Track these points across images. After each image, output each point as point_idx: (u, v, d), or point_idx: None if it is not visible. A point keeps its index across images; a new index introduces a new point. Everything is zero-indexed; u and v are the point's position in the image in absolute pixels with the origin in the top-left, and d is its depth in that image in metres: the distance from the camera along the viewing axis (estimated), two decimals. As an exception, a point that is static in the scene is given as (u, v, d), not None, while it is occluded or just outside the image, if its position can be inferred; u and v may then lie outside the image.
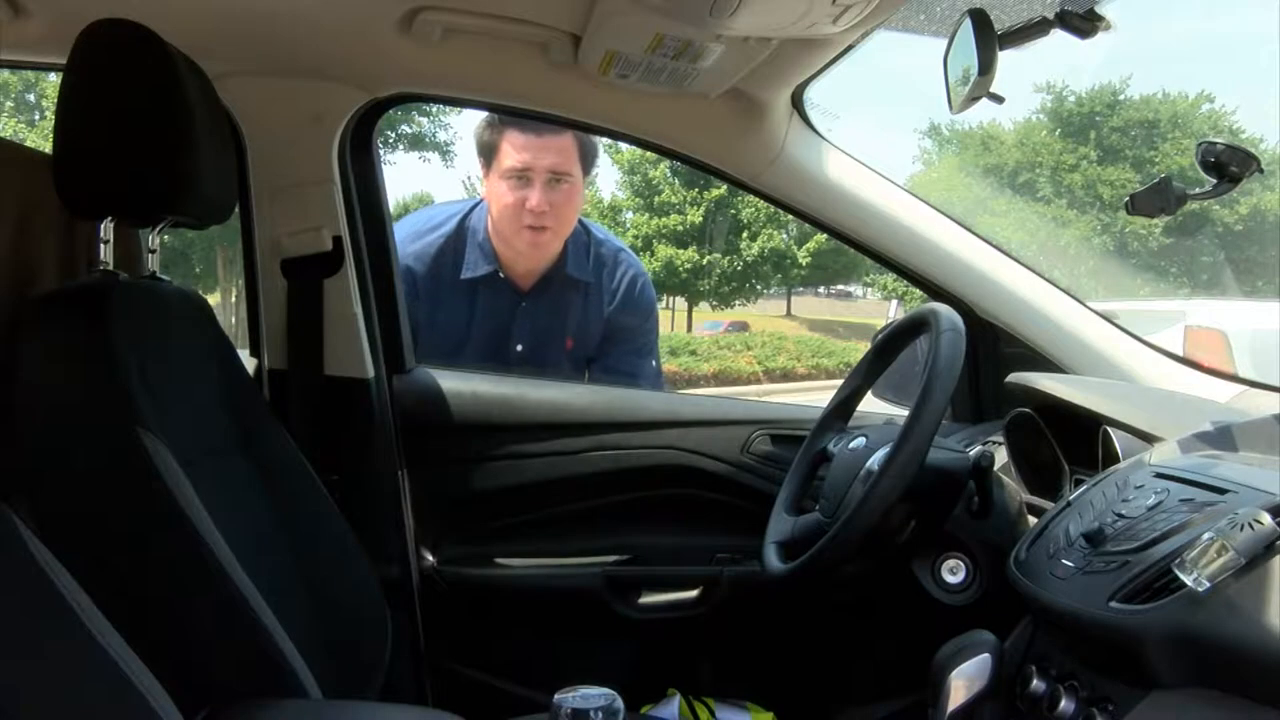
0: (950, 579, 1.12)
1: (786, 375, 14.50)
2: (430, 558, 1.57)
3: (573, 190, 1.75)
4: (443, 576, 1.56)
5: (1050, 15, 1.02)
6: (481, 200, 1.83)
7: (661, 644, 1.60)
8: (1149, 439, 1.10)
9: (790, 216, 1.77)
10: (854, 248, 1.59)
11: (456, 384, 1.58)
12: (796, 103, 1.48)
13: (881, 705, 1.55)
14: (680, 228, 21.28)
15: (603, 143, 2.17)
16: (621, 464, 1.57)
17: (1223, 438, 1.00)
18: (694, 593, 1.56)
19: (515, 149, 1.71)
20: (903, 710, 1.50)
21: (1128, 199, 1.13)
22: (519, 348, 1.80)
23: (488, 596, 1.57)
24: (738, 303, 23.32)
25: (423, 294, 1.76)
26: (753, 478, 1.55)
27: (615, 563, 1.56)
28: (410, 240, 1.79)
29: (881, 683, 1.57)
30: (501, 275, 1.79)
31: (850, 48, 1.26)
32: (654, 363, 1.91)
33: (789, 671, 1.61)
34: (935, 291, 1.56)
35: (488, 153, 1.76)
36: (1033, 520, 1.11)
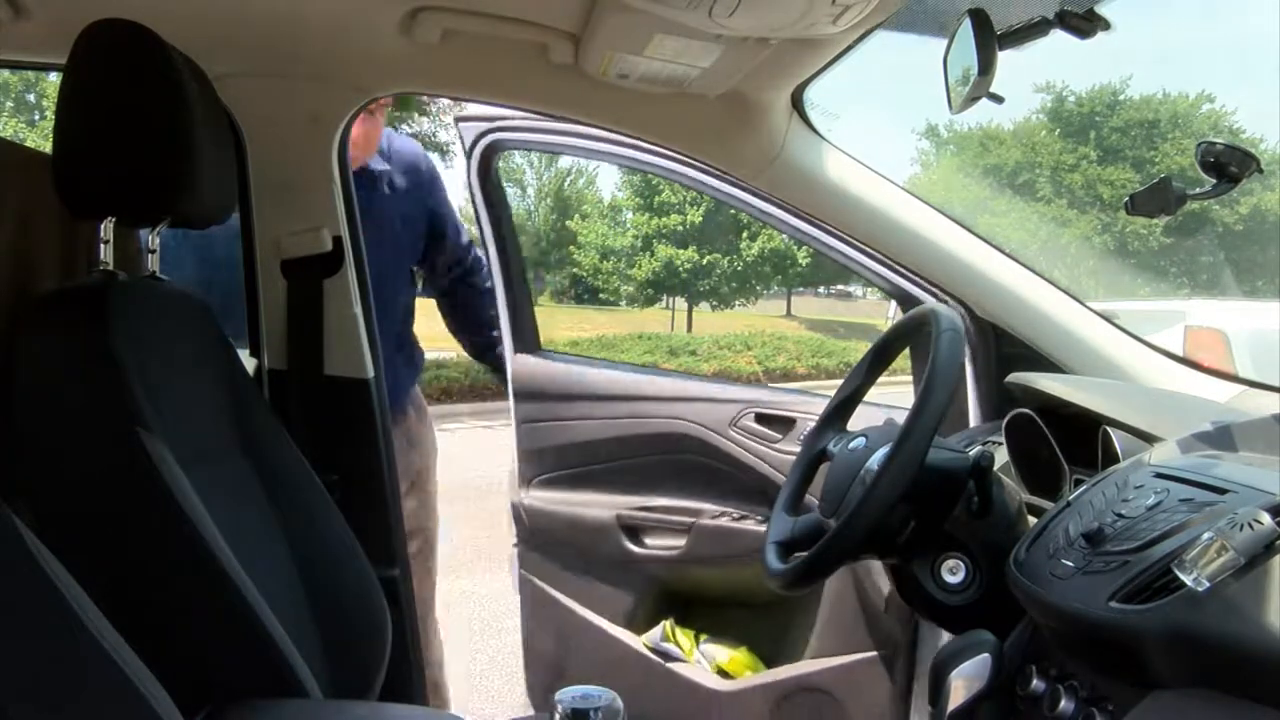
0: (950, 579, 1.11)
1: (786, 375, 14.47)
2: None
3: (382, 120, 1.76)
4: None
5: (1050, 15, 1.02)
6: None
7: (663, 583, 1.84)
8: (1149, 439, 1.10)
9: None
10: (854, 248, 1.59)
11: None
12: (796, 103, 1.48)
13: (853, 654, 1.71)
14: (680, 228, 21.26)
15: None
16: (638, 430, 1.82)
17: (1222, 438, 1.00)
18: (683, 540, 1.79)
19: None
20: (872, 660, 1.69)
21: (1128, 199, 1.13)
22: None
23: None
24: (738, 303, 23.30)
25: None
26: (739, 449, 1.77)
27: (631, 509, 1.81)
28: None
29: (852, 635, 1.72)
30: None
31: (850, 48, 1.26)
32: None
33: (767, 616, 1.82)
34: (935, 292, 1.56)
35: None
36: (1033, 520, 1.11)
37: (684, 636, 1.85)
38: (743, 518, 1.77)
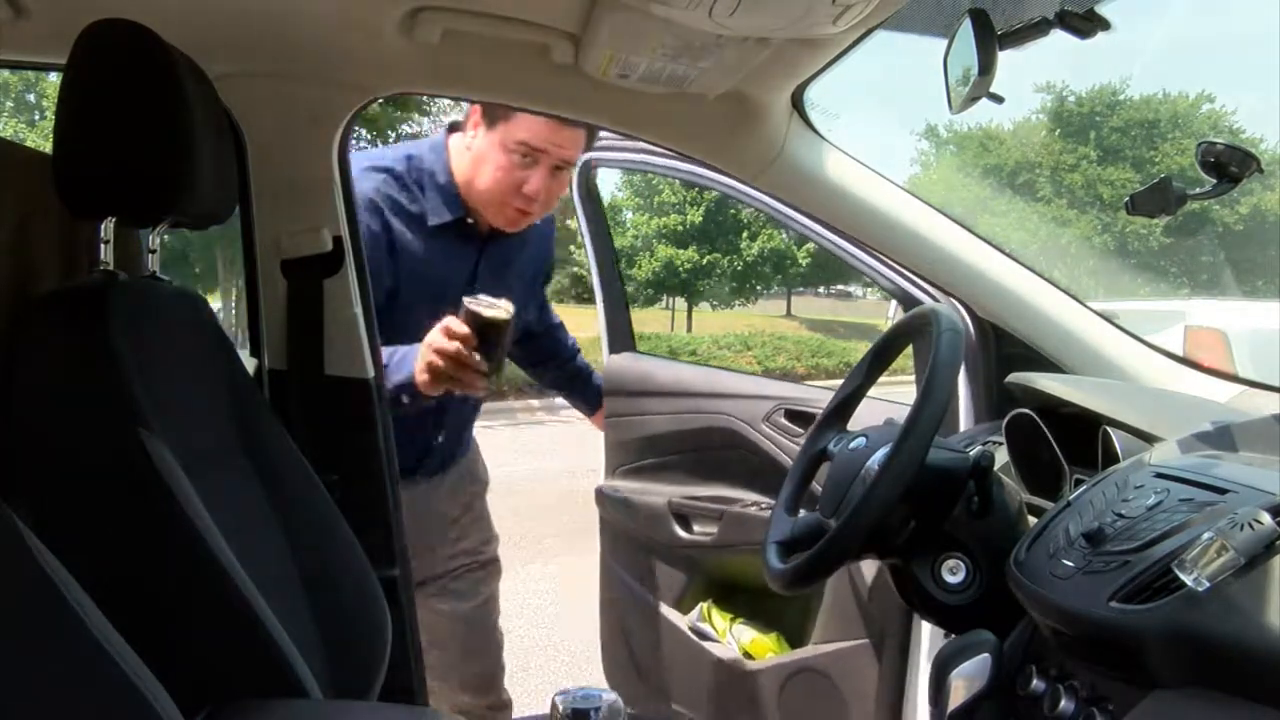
0: (950, 579, 1.11)
1: (786, 375, 14.49)
2: None
3: (568, 178, 1.73)
4: None
5: (1050, 15, 1.02)
6: (427, 140, 1.74)
7: (705, 567, 1.97)
8: (1149, 439, 1.10)
9: (789, 217, 1.78)
10: (854, 248, 1.59)
11: None
12: (796, 103, 1.48)
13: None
14: (680, 228, 21.27)
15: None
16: (692, 425, 1.95)
17: (1223, 438, 1.00)
18: (715, 527, 1.89)
19: (538, 125, 1.60)
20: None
21: (1128, 199, 1.13)
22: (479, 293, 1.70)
23: None
24: (738, 303, 23.32)
25: (384, 237, 1.64)
26: (769, 444, 1.86)
27: (681, 498, 1.94)
28: (358, 179, 1.60)
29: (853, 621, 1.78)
30: (469, 220, 1.70)
31: (850, 48, 1.26)
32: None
33: (791, 603, 1.91)
34: (935, 292, 1.56)
35: (495, 113, 1.63)
36: (1033, 520, 1.11)
37: (721, 618, 1.97)
38: (769, 508, 1.81)
